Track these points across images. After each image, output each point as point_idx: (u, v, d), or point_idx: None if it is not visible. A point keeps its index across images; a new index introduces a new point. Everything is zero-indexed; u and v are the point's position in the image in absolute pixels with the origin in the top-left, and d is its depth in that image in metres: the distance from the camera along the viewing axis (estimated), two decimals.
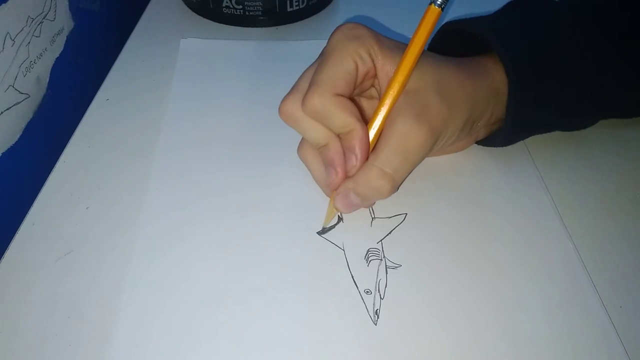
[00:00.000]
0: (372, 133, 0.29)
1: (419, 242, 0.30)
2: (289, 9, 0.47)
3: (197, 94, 0.40)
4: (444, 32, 0.34)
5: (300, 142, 0.32)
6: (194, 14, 0.50)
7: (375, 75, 0.29)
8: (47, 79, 0.40)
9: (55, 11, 0.41)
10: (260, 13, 0.47)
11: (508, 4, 0.34)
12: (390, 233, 0.30)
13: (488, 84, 0.30)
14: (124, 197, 0.32)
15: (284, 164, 0.34)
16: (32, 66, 0.38)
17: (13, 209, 0.34)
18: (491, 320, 0.26)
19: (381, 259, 0.29)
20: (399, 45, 0.29)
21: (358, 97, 0.32)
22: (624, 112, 0.36)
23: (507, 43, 0.31)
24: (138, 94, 0.40)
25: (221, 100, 0.39)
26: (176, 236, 0.30)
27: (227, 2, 0.46)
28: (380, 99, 0.29)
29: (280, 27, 0.48)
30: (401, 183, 0.30)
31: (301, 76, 0.30)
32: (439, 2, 0.28)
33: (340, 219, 0.31)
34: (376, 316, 0.26)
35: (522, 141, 0.35)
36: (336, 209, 0.29)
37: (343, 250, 0.29)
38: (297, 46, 0.45)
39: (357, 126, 0.28)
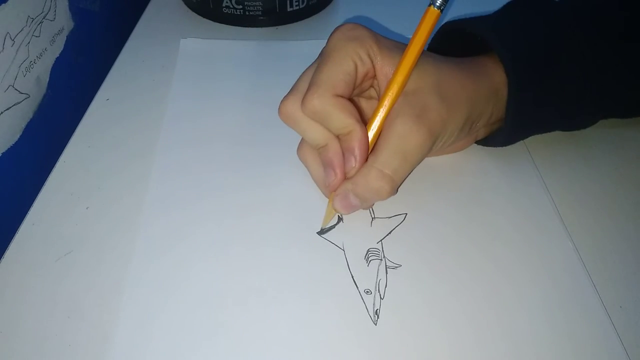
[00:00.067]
0: (370, 134, 0.29)
1: (419, 242, 0.30)
2: (289, 9, 0.47)
3: (197, 94, 0.40)
4: (443, 32, 0.34)
5: (300, 142, 0.32)
6: (194, 14, 0.50)
7: (374, 76, 0.29)
8: (47, 79, 0.40)
9: (55, 11, 0.41)
10: (260, 13, 0.47)
11: (508, 4, 0.34)
12: (390, 233, 0.30)
13: (488, 84, 0.30)
14: (124, 197, 0.32)
15: (284, 164, 0.34)
16: (32, 66, 0.38)
17: (13, 209, 0.34)
18: (491, 320, 0.26)
19: (381, 259, 0.29)
20: (399, 45, 0.29)
21: (357, 98, 0.32)
22: (624, 112, 0.36)
23: (507, 43, 0.31)
24: (138, 94, 0.40)
25: (221, 100, 0.39)
26: (176, 236, 0.30)
27: (227, 2, 0.46)
28: (379, 100, 0.29)
29: (280, 27, 0.48)
30: (400, 184, 0.30)
31: (301, 76, 0.30)
32: (438, 4, 0.28)
33: (340, 219, 0.31)
34: (376, 316, 0.26)
35: (522, 141, 0.35)
36: (335, 210, 0.29)
37: (343, 250, 0.29)
38: (297, 46, 0.45)
39: (356, 127, 0.28)
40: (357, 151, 0.28)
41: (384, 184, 0.27)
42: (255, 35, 0.47)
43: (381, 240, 0.30)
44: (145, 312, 0.26)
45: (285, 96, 0.29)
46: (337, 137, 0.29)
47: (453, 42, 0.34)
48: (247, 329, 0.26)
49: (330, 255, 0.29)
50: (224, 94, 0.40)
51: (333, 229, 0.30)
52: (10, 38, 0.35)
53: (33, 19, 0.37)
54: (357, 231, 0.30)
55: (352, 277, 0.28)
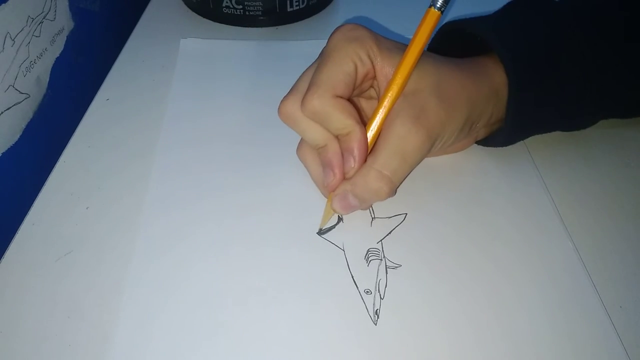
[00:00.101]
0: (370, 134, 0.29)
1: (419, 242, 0.30)
2: (289, 9, 0.47)
3: (197, 94, 0.40)
4: (443, 32, 0.34)
5: (300, 142, 0.32)
6: (194, 14, 0.50)
7: (374, 77, 0.29)
8: (47, 79, 0.40)
9: (55, 11, 0.41)
10: (260, 13, 0.47)
11: (508, 4, 0.34)
12: (390, 233, 0.30)
13: (488, 84, 0.30)
14: (124, 197, 0.32)
15: (284, 164, 0.34)
16: (32, 66, 0.38)
17: (13, 209, 0.34)
18: (491, 320, 0.26)
19: (381, 259, 0.29)
20: (399, 46, 0.29)
21: (357, 98, 0.32)
22: (624, 112, 0.36)
23: (507, 43, 0.31)
24: (138, 94, 0.40)
25: (221, 100, 0.39)
26: (176, 236, 0.30)
27: (227, 2, 0.46)
28: (379, 100, 0.29)
29: (280, 27, 0.48)
30: (399, 185, 0.30)
31: (301, 77, 0.30)
32: (438, 5, 0.28)
33: (340, 219, 0.31)
34: (376, 316, 0.26)
35: (522, 141, 0.35)
36: (334, 210, 0.29)
37: (343, 250, 0.29)
38: (297, 46, 0.45)
39: (355, 128, 0.28)
40: (356, 152, 0.28)
41: (383, 184, 0.28)
42: (255, 35, 0.47)
43: (381, 240, 0.30)
44: (145, 312, 0.26)
45: (285, 96, 0.29)
46: (337, 137, 0.29)
47: (453, 43, 0.34)
48: (247, 329, 0.26)
49: (330, 255, 0.29)
50: (224, 94, 0.40)
51: (333, 229, 0.30)
52: (11, 38, 0.35)
53: (33, 19, 0.37)
54: (357, 231, 0.30)
55: (352, 277, 0.28)
